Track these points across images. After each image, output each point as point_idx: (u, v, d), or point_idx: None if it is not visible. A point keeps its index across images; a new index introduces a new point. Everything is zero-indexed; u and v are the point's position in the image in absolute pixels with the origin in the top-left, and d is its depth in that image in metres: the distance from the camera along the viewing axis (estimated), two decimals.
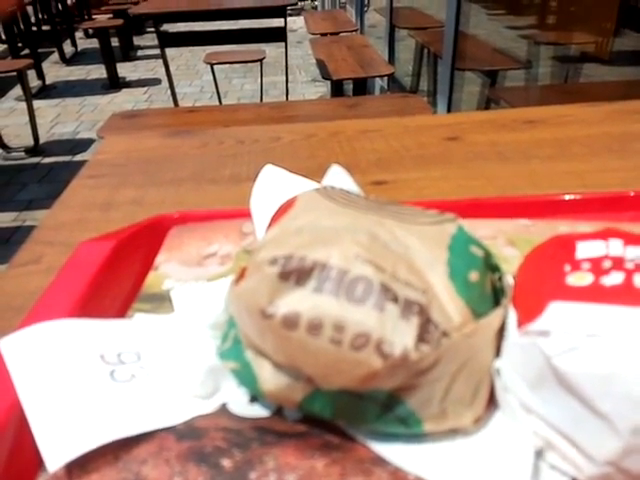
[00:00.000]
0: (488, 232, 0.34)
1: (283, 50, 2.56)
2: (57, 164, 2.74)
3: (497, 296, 0.23)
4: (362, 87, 2.19)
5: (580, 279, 0.20)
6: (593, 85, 1.91)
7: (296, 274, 0.21)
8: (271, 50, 3.12)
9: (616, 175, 0.46)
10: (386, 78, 2.94)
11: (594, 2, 1.88)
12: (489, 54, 2.16)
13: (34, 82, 3.80)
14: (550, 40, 2.20)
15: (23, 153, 2.85)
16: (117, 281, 0.31)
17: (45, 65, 4.31)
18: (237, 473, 0.20)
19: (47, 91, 3.88)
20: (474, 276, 0.22)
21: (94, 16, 5.42)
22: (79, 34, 5.21)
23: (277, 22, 2.38)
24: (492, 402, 0.22)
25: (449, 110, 1.90)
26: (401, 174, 0.49)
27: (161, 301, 0.30)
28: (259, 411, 0.23)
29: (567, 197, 0.37)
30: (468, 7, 2.09)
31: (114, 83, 3.91)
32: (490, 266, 0.24)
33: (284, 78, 2.73)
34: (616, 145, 0.52)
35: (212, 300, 0.27)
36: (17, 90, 3.50)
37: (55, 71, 4.39)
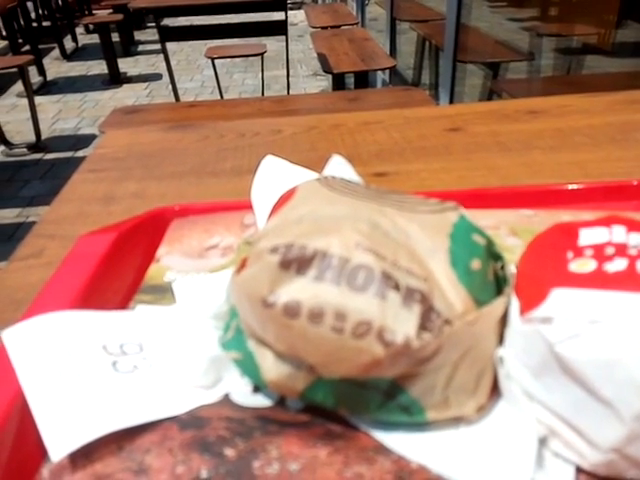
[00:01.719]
0: (490, 222, 0.34)
1: (284, 44, 2.55)
2: (59, 160, 2.74)
3: (499, 284, 0.23)
4: (364, 80, 2.18)
5: (583, 266, 0.20)
6: (596, 76, 1.90)
7: (297, 263, 0.21)
8: (272, 44, 3.10)
9: (618, 165, 0.46)
10: (388, 71, 2.93)
11: None
12: (491, 46, 2.15)
13: (35, 78, 3.80)
14: (552, 32, 2.19)
15: (25, 149, 2.85)
16: (118, 273, 0.31)
17: (46, 61, 4.30)
18: (240, 462, 0.20)
19: (48, 87, 3.88)
20: (476, 264, 0.22)
21: (94, 11, 5.40)
22: (79, 29, 5.20)
23: (278, 16, 2.37)
24: (495, 390, 0.22)
25: (451, 103, 1.89)
26: (402, 165, 0.49)
27: (163, 292, 0.30)
28: (262, 401, 0.23)
29: (569, 187, 0.37)
30: None
31: (115, 78, 3.90)
32: (492, 254, 0.23)
33: (285, 72, 2.72)
34: (618, 135, 0.52)
35: (214, 291, 0.26)
36: (18, 86, 3.49)
37: (56, 67, 4.38)
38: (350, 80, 2.30)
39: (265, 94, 3.06)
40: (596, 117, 0.56)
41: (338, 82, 2.24)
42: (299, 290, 0.20)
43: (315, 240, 0.21)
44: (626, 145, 0.50)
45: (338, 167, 0.34)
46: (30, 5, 4.56)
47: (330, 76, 2.25)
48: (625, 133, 0.52)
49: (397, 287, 0.20)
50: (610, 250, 0.20)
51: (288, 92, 2.84)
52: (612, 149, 0.49)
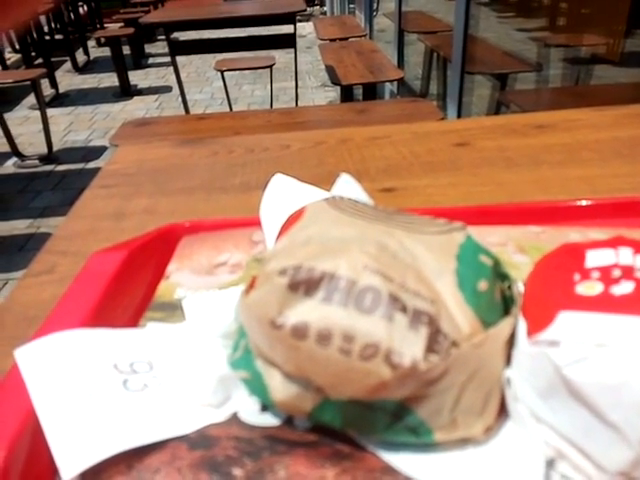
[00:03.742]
0: (498, 239, 0.34)
1: (293, 56, 2.57)
2: (70, 172, 2.77)
3: (506, 305, 0.23)
4: (372, 92, 2.19)
5: (590, 288, 0.20)
6: (604, 87, 1.89)
7: (305, 285, 0.21)
8: (281, 56, 3.13)
9: (626, 180, 0.46)
10: (396, 83, 2.94)
11: (604, 3, 1.87)
12: (499, 57, 2.15)
13: (47, 91, 3.85)
14: (560, 42, 2.19)
15: (37, 161, 2.89)
16: (129, 290, 0.32)
17: (58, 74, 4.36)
18: None
19: (60, 99, 3.93)
20: (483, 285, 0.22)
21: (106, 25, 5.49)
22: (91, 43, 5.28)
23: (287, 28, 2.40)
24: (502, 412, 0.22)
25: (459, 114, 1.90)
26: (410, 181, 0.49)
27: (173, 310, 0.30)
28: (270, 420, 0.23)
29: (577, 203, 0.37)
30: (477, 10, 2.09)
31: (126, 91, 3.95)
32: (499, 275, 0.24)
33: (294, 84, 2.74)
34: (626, 150, 0.52)
35: (223, 309, 0.27)
36: (31, 99, 3.54)
37: (68, 80, 4.44)
38: (358, 91, 2.31)
39: (274, 105, 3.08)
40: (604, 131, 0.56)
41: (346, 93, 2.26)
42: (307, 312, 0.20)
43: (323, 262, 0.21)
44: (634, 160, 0.50)
45: (346, 186, 0.34)
46: (43, 19, 4.64)
47: (338, 87, 2.27)
48: (633, 148, 0.52)
49: (404, 309, 0.20)
50: (617, 272, 0.20)
51: (297, 103, 2.86)
52: (620, 164, 0.49)
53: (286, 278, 0.21)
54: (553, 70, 2.17)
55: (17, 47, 4.71)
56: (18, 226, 2.26)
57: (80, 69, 4.70)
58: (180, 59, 2.49)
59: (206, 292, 0.31)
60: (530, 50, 2.28)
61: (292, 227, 0.25)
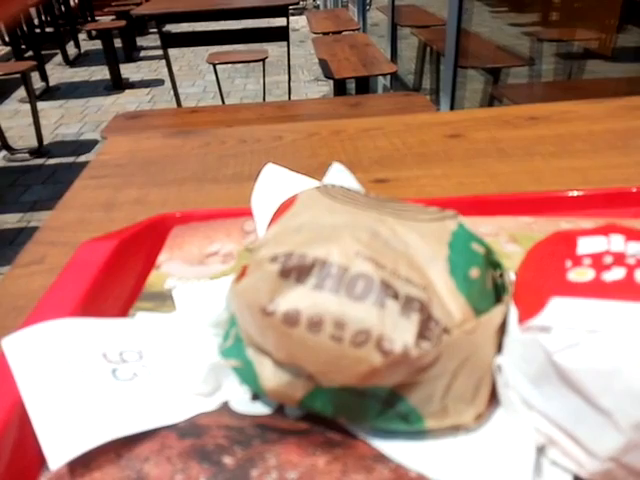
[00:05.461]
0: (490, 229, 0.34)
1: (286, 49, 2.56)
2: (61, 165, 2.75)
3: (498, 292, 0.23)
4: (365, 86, 2.19)
5: (581, 275, 0.20)
6: (596, 82, 1.90)
7: (296, 271, 0.21)
8: (274, 49, 3.12)
9: (619, 171, 0.46)
10: (389, 77, 2.94)
11: None
12: (492, 51, 2.15)
13: (38, 84, 3.81)
14: (553, 37, 2.20)
15: (27, 155, 2.86)
16: (119, 280, 0.31)
17: (49, 67, 4.32)
18: (239, 470, 0.20)
19: (51, 92, 3.89)
20: (475, 273, 0.22)
21: (97, 17, 5.44)
22: (82, 36, 5.23)
23: (279, 21, 2.38)
24: (493, 399, 0.22)
25: (452, 108, 1.90)
26: (403, 172, 0.49)
27: (163, 300, 0.30)
28: (261, 409, 0.23)
29: (569, 194, 0.37)
30: (470, 4, 2.09)
31: (117, 84, 3.92)
32: (491, 263, 0.23)
33: (287, 77, 2.73)
34: (619, 141, 0.52)
35: (214, 298, 0.27)
36: (21, 92, 3.51)
37: (59, 73, 4.40)
38: (351, 85, 2.31)
39: (266, 99, 3.06)
40: (597, 123, 0.56)
41: (339, 87, 2.25)
42: (298, 299, 0.20)
43: (314, 249, 0.21)
44: (626, 152, 0.50)
45: (338, 175, 0.34)
46: (33, 11, 4.59)
47: (331, 81, 2.26)
48: (625, 139, 0.52)
49: (396, 296, 0.20)
50: (608, 259, 0.20)
51: (289, 97, 2.85)
52: (612, 156, 0.49)
53: (277, 265, 0.21)
54: (546, 65, 2.18)
55: (7, 40, 4.65)
56: (8, 220, 2.24)
57: (71, 62, 4.65)
58: (172, 52, 2.47)
59: (197, 282, 0.31)
60: (523, 45, 2.28)
61: (283, 215, 0.25)
